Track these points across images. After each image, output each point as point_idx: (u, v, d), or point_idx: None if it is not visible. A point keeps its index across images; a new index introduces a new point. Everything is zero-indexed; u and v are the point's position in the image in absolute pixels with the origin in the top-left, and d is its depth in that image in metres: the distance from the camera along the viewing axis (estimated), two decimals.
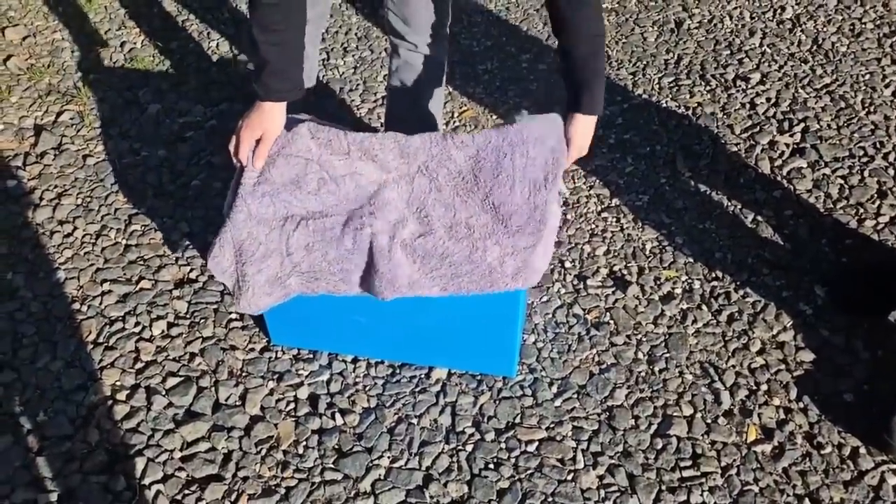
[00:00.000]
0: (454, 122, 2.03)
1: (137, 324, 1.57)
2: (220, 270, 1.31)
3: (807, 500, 1.29)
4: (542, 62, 2.21)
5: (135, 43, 2.34)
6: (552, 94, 2.10)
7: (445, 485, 1.32)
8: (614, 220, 1.76)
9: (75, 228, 1.77)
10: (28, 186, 1.88)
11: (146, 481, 1.33)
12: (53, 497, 1.31)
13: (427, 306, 1.33)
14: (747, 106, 2.04)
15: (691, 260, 1.67)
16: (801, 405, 1.41)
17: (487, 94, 2.11)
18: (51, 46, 2.36)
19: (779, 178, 1.84)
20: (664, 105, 2.06)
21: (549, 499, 1.30)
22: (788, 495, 1.30)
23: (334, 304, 1.38)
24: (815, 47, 2.20)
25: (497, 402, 1.43)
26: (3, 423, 1.41)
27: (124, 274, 1.67)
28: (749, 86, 2.10)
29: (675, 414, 1.41)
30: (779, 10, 2.36)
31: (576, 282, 1.63)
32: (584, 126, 1.28)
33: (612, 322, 1.56)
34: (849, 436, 1.36)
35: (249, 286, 1.29)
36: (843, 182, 1.81)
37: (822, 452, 1.35)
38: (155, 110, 2.09)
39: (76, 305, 1.61)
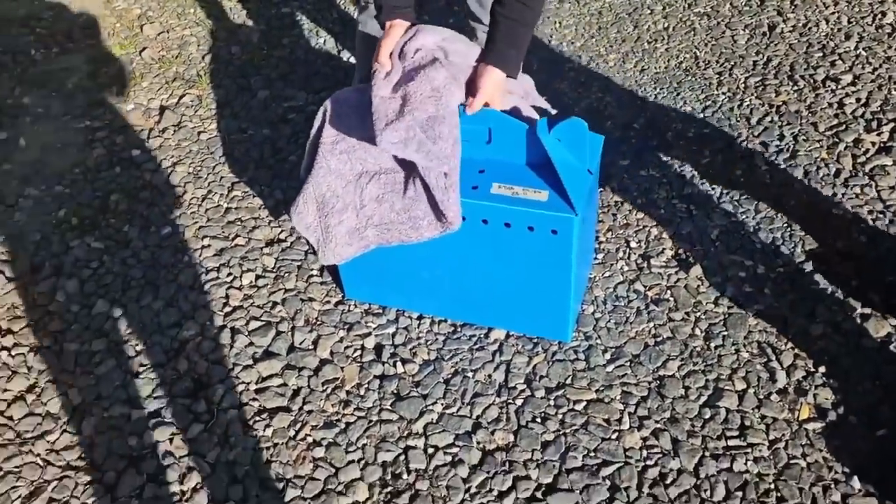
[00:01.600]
0: None
1: (230, 274, 1.74)
2: (303, 226, 1.45)
3: (855, 477, 1.27)
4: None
5: (252, 39, 2.57)
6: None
7: (493, 433, 1.39)
8: (684, 207, 1.79)
9: (185, 192, 1.97)
10: (150, 155, 2.10)
11: (224, 405, 1.47)
12: (144, 413, 1.47)
13: (486, 268, 1.41)
14: (835, 105, 2.02)
15: (759, 247, 1.67)
16: (861, 389, 1.39)
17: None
18: (180, 41, 2.62)
19: (860, 175, 1.81)
20: (747, 102, 2.07)
21: (592, 454, 1.34)
22: (836, 472, 1.28)
23: (403, 262, 1.49)
24: None
25: (550, 363, 1.49)
26: (108, 350, 1.59)
27: (223, 232, 1.84)
28: (839, 86, 2.08)
29: (726, 388, 1.42)
30: (879, 16, 2.32)
31: (640, 261, 1.67)
32: (489, 77, 1.33)
33: (672, 299, 1.59)
34: None
35: (332, 237, 1.42)
36: None
37: (878, 435, 1.32)
38: (263, 96, 2.30)
39: (179, 256, 1.79)
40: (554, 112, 1.46)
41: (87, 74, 2.49)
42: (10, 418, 1.49)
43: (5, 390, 1.53)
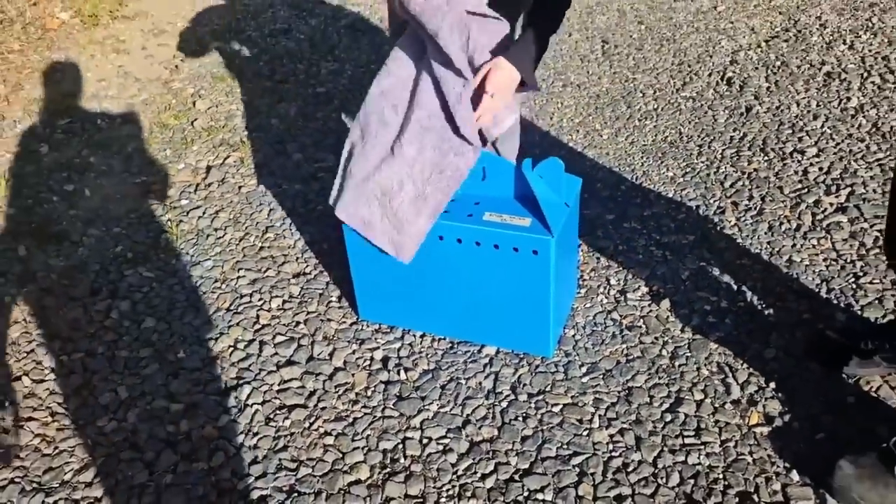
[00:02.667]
0: None
1: (261, 299, 2.00)
2: (381, 235, 1.65)
3: (794, 471, 1.46)
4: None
5: (290, 112, 2.93)
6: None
7: (480, 427, 1.60)
8: (660, 253, 2.04)
9: (225, 234, 2.27)
10: (196, 205, 2.41)
11: (249, 402, 1.70)
12: (181, 406, 1.71)
13: (479, 288, 1.66)
14: (800, 173, 2.28)
15: (724, 286, 1.90)
16: (805, 402, 1.59)
17: None
18: (227, 114, 2.99)
19: (818, 229, 2.05)
20: (723, 170, 2.34)
21: (564, 446, 1.54)
22: (778, 467, 1.47)
23: (409, 286, 1.74)
24: (874, 129, 2.42)
25: (533, 374, 1.71)
26: (153, 356, 1.85)
27: (256, 266, 2.12)
28: (805, 157, 2.35)
29: (686, 398, 1.62)
30: (844, 100, 2.61)
31: (618, 295, 1.91)
32: (503, 71, 1.52)
33: (643, 326, 1.81)
34: (843, 427, 1.52)
35: (402, 220, 1.60)
36: (878, 234, 2.00)
37: (816, 438, 1.51)
38: (297, 158, 2.62)
39: (218, 284, 2.07)
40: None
41: (144, 140, 2.85)
42: (67, 408, 1.73)
43: (65, 385, 1.78)
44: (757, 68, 2.90)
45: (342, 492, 1.50)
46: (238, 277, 2.08)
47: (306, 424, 1.65)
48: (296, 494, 1.50)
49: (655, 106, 2.75)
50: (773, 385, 1.63)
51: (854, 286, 1.85)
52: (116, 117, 3.00)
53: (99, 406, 1.73)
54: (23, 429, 1.68)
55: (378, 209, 1.65)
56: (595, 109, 2.77)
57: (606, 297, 1.90)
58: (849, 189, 2.17)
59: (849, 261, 1.93)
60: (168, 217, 2.37)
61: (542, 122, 2.73)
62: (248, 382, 1.75)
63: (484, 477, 1.50)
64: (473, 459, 1.54)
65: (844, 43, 2.98)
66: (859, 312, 1.78)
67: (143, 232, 2.31)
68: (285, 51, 3.43)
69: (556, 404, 1.63)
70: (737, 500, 1.42)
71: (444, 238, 1.62)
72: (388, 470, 1.53)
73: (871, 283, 1.85)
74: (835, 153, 2.35)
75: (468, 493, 1.47)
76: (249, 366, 1.80)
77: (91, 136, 2.88)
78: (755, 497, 1.42)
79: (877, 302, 1.80)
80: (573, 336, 1.80)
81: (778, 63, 2.92)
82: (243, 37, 3.62)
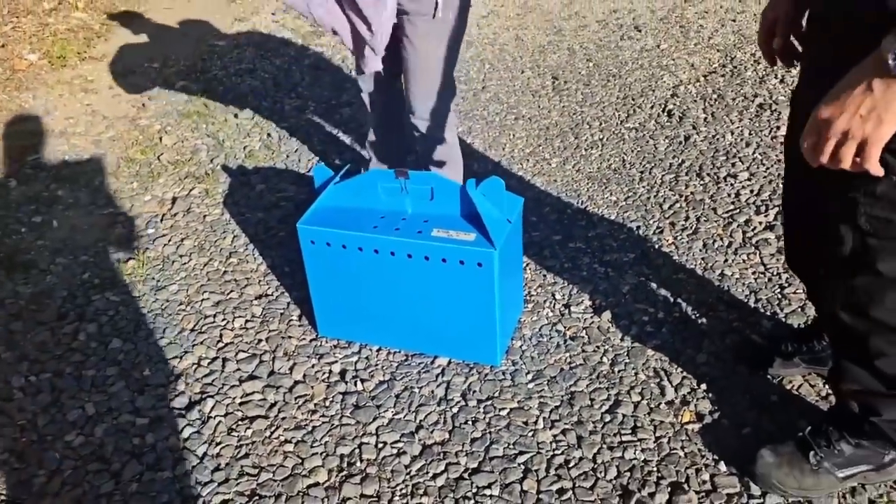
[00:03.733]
0: None
1: (224, 319, 2.09)
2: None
3: (721, 463, 1.58)
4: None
5: (255, 147, 3.05)
6: None
7: (432, 432, 1.70)
8: (603, 270, 2.17)
9: (190, 259, 2.36)
10: (162, 233, 2.51)
11: (213, 414, 1.78)
12: (146, 421, 1.78)
13: (429, 302, 1.77)
14: (732, 195, 2.45)
15: (661, 299, 2.04)
16: (733, 401, 1.72)
17: None
18: (193, 149, 3.10)
19: (748, 246, 2.21)
20: (662, 194, 2.50)
21: (511, 446, 1.65)
22: (707, 459, 1.59)
23: (366, 302, 1.85)
24: None
25: (482, 381, 1.82)
26: (119, 374, 1.92)
27: (220, 288, 2.21)
28: (737, 181, 2.52)
29: (624, 399, 1.74)
30: (774, 129, 2.80)
31: (562, 309, 2.03)
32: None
33: (586, 336, 1.94)
34: (767, 422, 1.65)
35: None
36: None
37: (742, 433, 1.64)
38: (260, 188, 2.73)
39: (182, 306, 2.15)
40: None
41: (111, 174, 2.93)
42: (36, 425, 1.80)
43: (33, 404, 1.85)
44: (695, 101, 3.09)
45: (301, 494, 1.58)
46: (202, 300, 2.17)
47: (267, 433, 1.73)
48: (257, 497, 1.58)
49: (601, 136, 2.92)
50: (704, 386, 1.76)
51: (779, 296, 2.00)
52: (84, 153, 3.09)
53: (67, 422, 1.80)
54: None
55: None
56: (545, 140, 2.93)
57: (552, 311, 2.03)
58: (776, 209, 2.34)
59: (775, 273, 2.08)
60: (135, 245, 2.45)
61: (494, 153, 2.88)
62: (212, 396, 1.83)
63: (435, 476, 1.60)
64: (426, 461, 1.63)
65: (776, 77, 3.20)
66: (784, 319, 1.93)
67: (109, 259, 2.39)
68: (250, 89, 3.56)
69: (504, 408, 1.74)
70: (669, 489, 1.53)
71: (395, 254, 1.74)
72: (346, 473, 1.62)
73: (794, 293, 2.00)
74: (765, 177, 2.52)
75: (420, 492, 1.57)
76: (213, 381, 1.89)
77: (59, 170, 2.96)
78: (685, 486, 1.53)
79: (799, 310, 1.95)
80: (520, 346, 1.91)
81: (715, 96, 3.11)
82: (209, 76, 3.75)
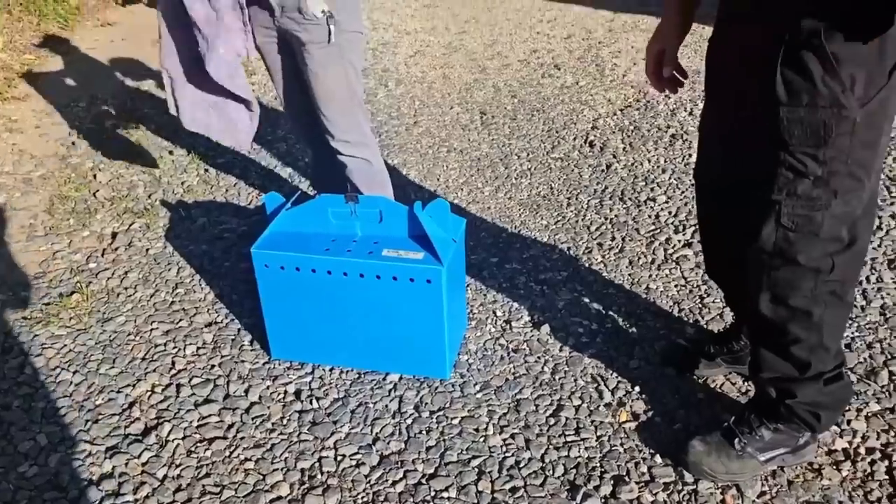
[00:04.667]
0: None
1: (175, 347, 2.12)
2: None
3: (657, 456, 1.72)
4: None
5: (192, 182, 3.09)
6: None
7: (388, 443, 1.78)
8: (539, 288, 2.32)
9: (136, 292, 2.38)
10: (105, 267, 2.51)
11: (170, 438, 1.81)
12: (103, 448, 1.80)
13: (380, 319, 1.87)
14: (653, 217, 2.65)
15: (594, 312, 2.19)
16: (664, 400, 1.87)
17: None
18: (130, 184, 3.11)
19: (669, 262, 2.40)
20: (589, 217, 2.68)
21: (464, 452, 1.75)
22: (644, 453, 1.73)
23: (318, 322, 1.93)
24: None
25: (434, 394, 1.91)
26: (71, 405, 1.93)
27: (169, 318, 2.24)
28: (656, 204, 2.73)
29: (566, 404, 1.87)
30: (687, 157, 3.04)
31: (504, 324, 2.16)
32: None
33: (527, 349, 2.06)
34: (695, 418, 1.80)
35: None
36: None
37: (674, 428, 1.79)
38: (202, 222, 2.78)
39: (132, 337, 2.17)
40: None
41: (45, 211, 2.92)
42: None
43: None
44: (614, 132, 3.32)
45: None
46: (151, 329, 2.19)
47: (227, 453, 1.77)
48: None
49: (529, 166, 3.10)
50: (637, 389, 1.91)
51: (700, 305, 2.19)
52: (14, 191, 3.05)
53: (18, 454, 1.79)
54: None
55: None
56: (477, 171, 3.09)
57: (494, 327, 2.15)
58: (693, 228, 2.55)
59: (695, 286, 2.27)
60: (76, 280, 2.45)
61: (430, 183, 3.01)
62: (168, 421, 1.86)
63: (394, 483, 1.68)
64: (384, 469, 1.71)
65: (685, 110, 3.47)
66: (705, 325, 2.11)
67: (51, 294, 2.38)
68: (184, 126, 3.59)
69: (455, 418, 1.84)
70: (612, 482, 1.66)
71: (347, 274, 1.83)
72: (307, 485, 1.68)
73: (713, 302, 2.19)
74: (681, 199, 2.74)
75: (381, 498, 1.64)
76: (168, 406, 1.92)
77: None
78: (627, 478, 1.66)
79: (718, 317, 2.14)
80: (467, 361, 2.02)
81: (632, 128, 3.36)
82: (140, 114, 3.76)
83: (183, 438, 1.81)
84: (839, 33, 1.17)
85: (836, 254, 1.37)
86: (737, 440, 1.62)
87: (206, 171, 3.17)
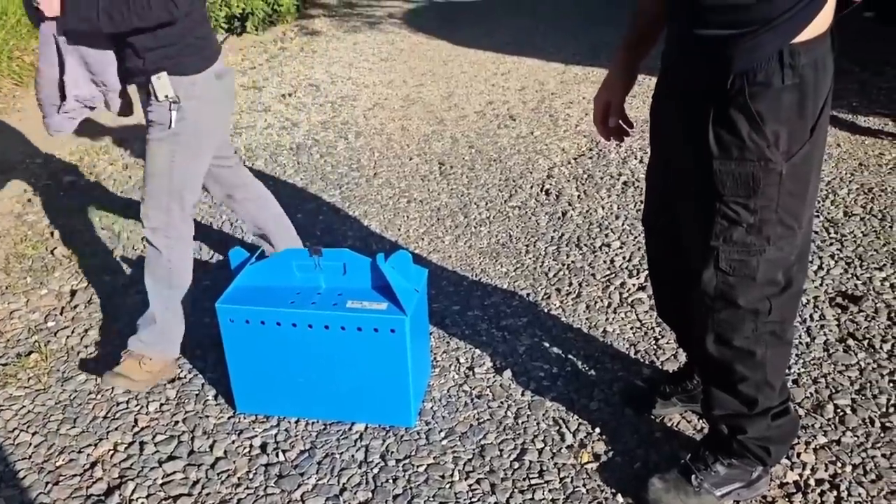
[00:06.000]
0: None
1: (138, 404, 2.11)
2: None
3: (619, 495, 1.76)
4: None
5: None
6: None
7: (355, 493, 1.79)
8: (500, 334, 2.37)
9: (97, 350, 2.37)
10: (63, 325, 2.50)
11: (134, 497, 1.80)
12: None
13: (345, 370, 1.90)
14: (608, 262, 2.74)
15: (553, 355, 2.25)
16: (624, 440, 1.92)
17: None
18: (88, 241, 3.10)
19: (625, 305, 2.48)
20: (547, 264, 2.76)
21: (430, 499, 1.77)
22: (606, 493, 1.77)
23: (283, 373, 1.95)
24: None
25: (399, 442, 1.94)
26: (31, 468, 1.90)
27: None
28: (612, 249, 2.82)
29: (529, 447, 1.91)
30: (639, 203, 3.16)
31: (467, 371, 2.20)
32: None
33: (490, 394, 2.11)
34: (654, 455, 1.86)
35: None
36: None
37: (634, 467, 1.84)
38: None
39: (93, 395, 2.16)
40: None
41: (1, 269, 2.89)
42: None
43: None
44: (569, 181, 3.43)
45: None
46: (112, 388, 2.18)
47: None
48: None
49: (488, 215, 3.18)
50: (598, 430, 1.96)
51: (655, 347, 2.26)
52: None
53: None
54: None
55: None
56: (437, 220, 3.16)
57: (457, 373, 2.19)
58: (646, 272, 2.64)
59: (650, 327, 2.35)
60: (35, 339, 2.43)
61: (391, 234, 3.07)
62: (132, 479, 1.85)
63: None
64: None
65: (635, 158, 3.61)
66: (661, 366, 2.18)
67: (9, 355, 2.35)
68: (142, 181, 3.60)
69: (421, 465, 1.86)
70: None
71: (312, 326, 1.86)
72: None
73: (667, 343, 2.27)
74: (634, 244, 2.84)
75: None
76: (132, 465, 1.90)
77: None
78: None
79: (672, 357, 2.21)
80: (431, 408, 2.05)
81: (585, 176, 3.47)
82: (98, 170, 3.77)
83: (147, 497, 1.80)
84: (761, 93, 1.28)
85: (773, 296, 1.45)
86: (693, 476, 1.67)
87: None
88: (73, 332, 2.46)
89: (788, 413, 1.64)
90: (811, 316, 2.34)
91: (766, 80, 1.27)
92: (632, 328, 2.36)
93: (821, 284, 2.51)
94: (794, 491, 1.73)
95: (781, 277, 1.45)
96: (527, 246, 2.90)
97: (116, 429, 2.02)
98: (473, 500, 1.76)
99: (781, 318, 1.49)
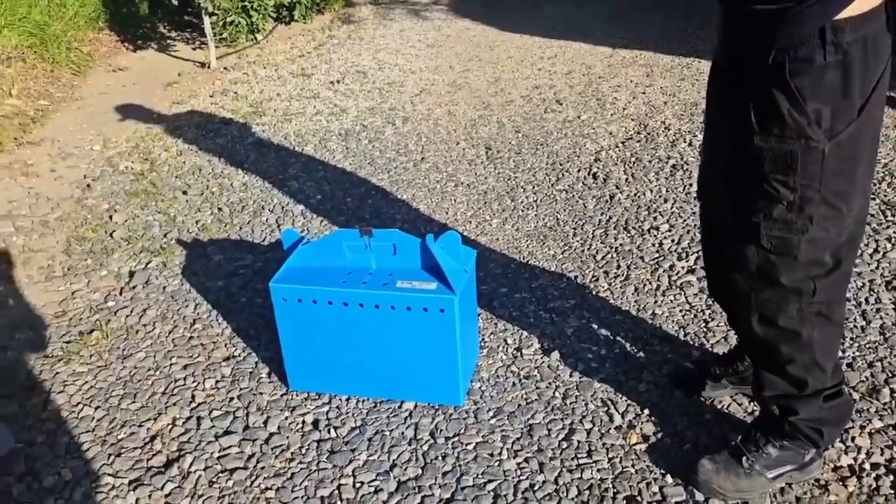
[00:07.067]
0: None
1: (194, 381, 2.18)
2: None
3: (668, 476, 1.76)
4: None
5: (207, 221, 3.17)
6: None
7: (405, 469, 1.83)
8: (548, 316, 2.37)
9: (154, 328, 2.44)
10: (123, 305, 2.58)
11: (192, 469, 1.86)
12: (126, 481, 1.85)
13: (395, 349, 1.93)
14: (657, 245, 2.72)
15: (602, 338, 2.25)
16: (673, 422, 1.91)
17: None
18: (145, 225, 3.19)
19: (674, 288, 2.46)
20: (595, 247, 2.75)
21: (479, 476, 1.79)
22: (656, 474, 1.77)
23: (335, 353, 1.99)
24: None
25: (448, 421, 1.96)
26: (94, 440, 1.98)
27: (188, 353, 2.30)
28: (660, 232, 2.80)
29: (578, 428, 1.92)
30: (688, 186, 3.12)
31: (514, 352, 2.21)
32: None
33: (538, 375, 2.11)
34: (703, 438, 1.84)
35: None
36: None
37: (684, 448, 1.83)
38: (218, 259, 2.85)
39: (151, 372, 2.23)
40: None
41: (63, 252, 2.99)
42: (10, 495, 1.83)
43: (7, 473, 1.88)
44: (616, 164, 3.40)
45: None
46: (171, 364, 2.25)
47: (248, 483, 1.82)
48: None
49: (535, 198, 3.17)
50: (647, 411, 1.95)
51: (705, 329, 2.24)
52: (32, 233, 3.14)
53: (44, 489, 1.84)
54: None
55: None
56: (484, 204, 3.16)
57: (505, 354, 2.20)
58: (696, 255, 2.61)
59: (699, 310, 2.33)
60: (96, 318, 2.52)
61: (438, 217, 3.09)
62: (190, 453, 1.91)
63: None
64: (402, 495, 1.75)
65: (684, 141, 3.55)
66: (710, 349, 2.16)
67: (71, 333, 2.44)
68: (196, 167, 3.70)
69: (470, 443, 1.89)
70: (625, 502, 1.70)
71: (363, 306, 1.89)
72: None
73: (717, 326, 2.25)
74: (682, 228, 2.81)
75: None
76: (189, 439, 1.96)
77: (8, 250, 3.00)
78: (639, 498, 1.70)
79: (723, 340, 2.19)
80: (479, 388, 2.07)
81: (633, 159, 3.44)
82: (153, 156, 3.87)
83: (204, 469, 1.86)
84: (801, 69, 1.25)
85: (818, 277, 1.43)
86: (744, 458, 1.66)
87: (220, 210, 3.25)
88: (131, 311, 2.54)
89: (841, 395, 1.61)
90: (866, 299, 2.29)
91: (807, 56, 1.25)
92: (681, 311, 2.34)
93: (876, 267, 2.45)
94: (849, 475, 1.70)
95: (829, 259, 1.42)
96: (574, 229, 2.89)
97: (174, 404, 2.09)
98: (521, 478, 1.78)
99: (828, 300, 1.46)
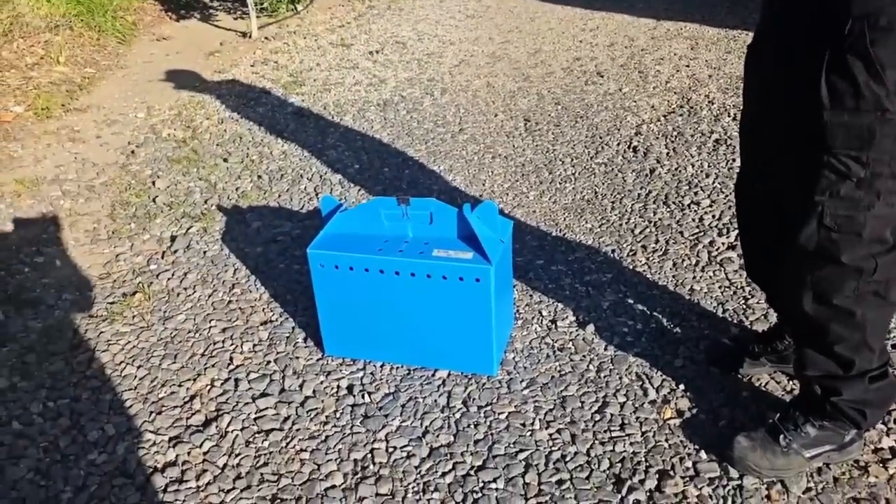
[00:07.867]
0: None
1: (232, 343, 2.22)
2: None
3: (702, 451, 1.75)
4: None
5: (247, 188, 3.20)
6: None
7: (437, 435, 1.84)
8: (584, 289, 2.36)
9: (194, 292, 2.49)
10: (164, 269, 2.63)
11: (230, 429, 1.90)
12: (166, 438, 1.89)
13: (430, 317, 1.93)
14: (696, 220, 2.67)
15: (638, 312, 2.22)
16: (709, 398, 1.89)
17: None
18: (187, 191, 3.24)
19: (713, 264, 2.42)
20: (633, 220, 2.71)
21: (511, 445, 1.80)
22: (689, 449, 1.76)
23: (370, 320, 2.00)
24: None
25: (481, 390, 1.97)
26: (136, 398, 2.03)
27: (226, 317, 2.34)
28: (700, 207, 2.75)
29: (611, 401, 1.91)
30: (730, 161, 3.05)
31: (549, 324, 2.21)
32: None
33: (573, 347, 2.11)
34: (739, 415, 1.82)
35: None
36: None
37: (719, 425, 1.81)
38: (257, 225, 2.88)
39: (191, 334, 2.27)
40: None
41: (108, 216, 3.06)
42: (57, 446, 1.89)
43: (53, 427, 1.94)
44: (658, 138, 3.34)
45: (320, 496, 1.71)
46: (210, 327, 2.29)
47: (283, 444, 1.85)
48: (279, 501, 1.70)
49: (573, 171, 3.14)
50: (682, 387, 1.93)
51: (744, 306, 2.21)
52: (78, 198, 3.21)
53: (88, 442, 1.90)
54: (17, 465, 1.83)
55: None
56: (521, 176, 3.14)
57: (540, 326, 2.20)
58: (736, 231, 2.56)
59: (739, 287, 2.29)
60: (139, 280, 2.57)
61: (475, 189, 3.07)
62: (227, 413, 1.95)
63: (444, 474, 1.73)
64: (434, 461, 1.77)
65: (729, 115, 3.47)
66: (749, 326, 2.13)
67: (115, 294, 2.50)
68: (237, 135, 3.73)
69: (502, 412, 1.89)
70: (657, 476, 1.69)
71: (399, 273, 1.90)
72: (360, 475, 1.75)
73: (758, 303, 2.21)
74: (724, 203, 2.76)
75: (431, 488, 1.70)
76: (227, 399, 2.01)
77: (56, 214, 3.07)
78: (671, 473, 1.70)
79: (763, 317, 2.15)
80: (513, 358, 2.07)
81: (675, 133, 3.38)
82: (195, 123, 3.91)
83: (241, 430, 1.90)
84: (883, 38, 1.20)
85: (879, 255, 1.39)
86: (782, 437, 1.64)
87: (260, 177, 3.28)
88: (173, 274, 2.59)
89: (887, 377, 1.57)
90: None
91: (888, 24, 1.20)
92: (720, 287, 2.30)
93: None
94: (890, 457, 1.67)
95: (890, 236, 1.38)
96: (612, 202, 2.86)
97: (213, 366, 2.13)
98: (553, 448, 1.78)
99: (886, 278, 1.42)
